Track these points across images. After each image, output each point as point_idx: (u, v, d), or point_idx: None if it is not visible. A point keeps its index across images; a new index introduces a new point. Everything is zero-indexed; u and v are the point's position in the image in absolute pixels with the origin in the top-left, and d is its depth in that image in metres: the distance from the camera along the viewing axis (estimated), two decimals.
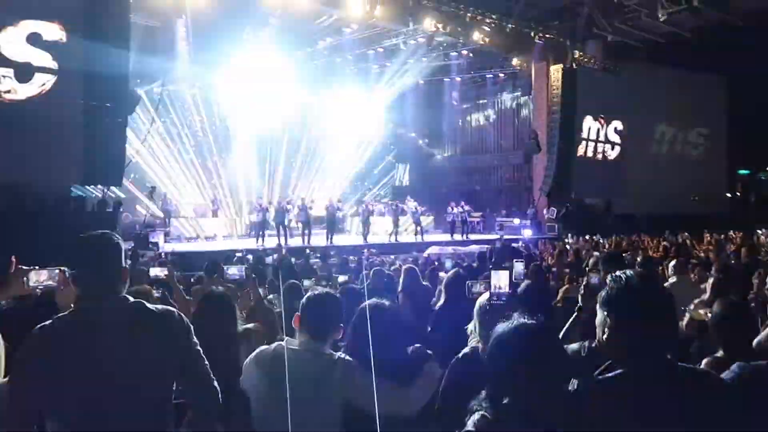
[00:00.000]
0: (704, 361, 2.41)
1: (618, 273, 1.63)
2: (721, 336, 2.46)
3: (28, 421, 1.74)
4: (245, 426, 2.24)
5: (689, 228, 14.07)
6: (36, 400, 1.72)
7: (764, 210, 23.05)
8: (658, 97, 21.34)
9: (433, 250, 15.12)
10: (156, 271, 4.65)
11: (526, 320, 1.64)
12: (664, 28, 19.54)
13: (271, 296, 4.89)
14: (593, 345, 2.30)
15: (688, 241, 11.54)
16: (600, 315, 1.65)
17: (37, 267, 2.18)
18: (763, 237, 12.79)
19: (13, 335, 1.90)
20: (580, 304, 3.36)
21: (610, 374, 1.55)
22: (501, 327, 1.68)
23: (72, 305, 1.88)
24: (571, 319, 3.22)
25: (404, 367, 2.35)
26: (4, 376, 1.99)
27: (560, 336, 2.72)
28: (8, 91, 10.69)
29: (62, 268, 2.09)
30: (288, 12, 15.13)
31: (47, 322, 1.77)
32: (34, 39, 10.82)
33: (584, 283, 3.46)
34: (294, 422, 2.12)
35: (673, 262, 5.97)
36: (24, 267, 2.18)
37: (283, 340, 2.34)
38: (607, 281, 1.66)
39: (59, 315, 1.81)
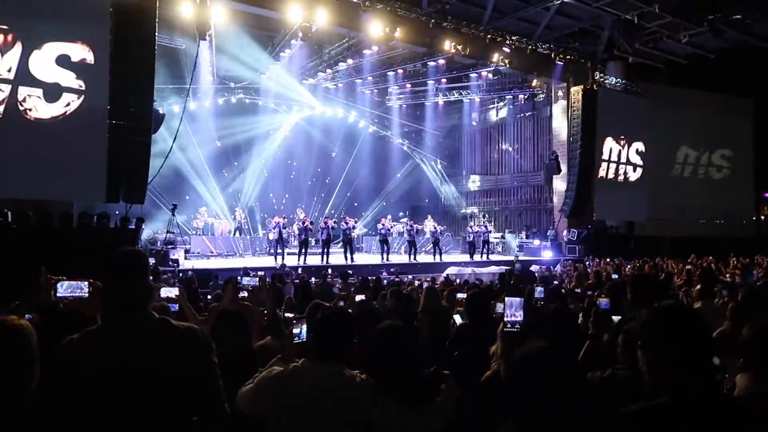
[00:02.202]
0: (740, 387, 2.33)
1: (656, 305, 1.62)
2: (754, 359, 2.36)
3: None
4: None
5: (714, 251, 13.80)
6: (63, 412, 1.73)
7: None
8: (680, 119, 21.15)
9: (451, 270, 15.03)
10: (167, 291, 4.52)
11: (541, 346, 1.62)
12: (686, 50, 19.43)
13: (289, 315, 4.87)
14: (614, 373, 2.24)
15: (713, 265, 11.30)
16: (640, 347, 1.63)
17: (65, 277, 2.20)
18: None
19: (42, 348, 1.90)
20: (591, 331, 3.30)
21: (656, 402, 1.52)
22: (519, 352, 1.67)
23: (98, 318, 1.90)
24: (585, 347, 3.15)
25: (423, 388, 2.32)
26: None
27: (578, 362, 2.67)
28: (32, 110, 10.97)
29: (92, 279, 2.11)
30: (310, 33, 15.35)
31: (75, 336, 1.78)
32: (62, 60, 11.13)
33: (593, 309, 3.39)
34: None
35: (698, 287, 5.85)
36: (53, 277, 2.20)
37: (298, 362, 2.32)
38: (645, 314, 1.64)
39: (87, 329, 1.82)
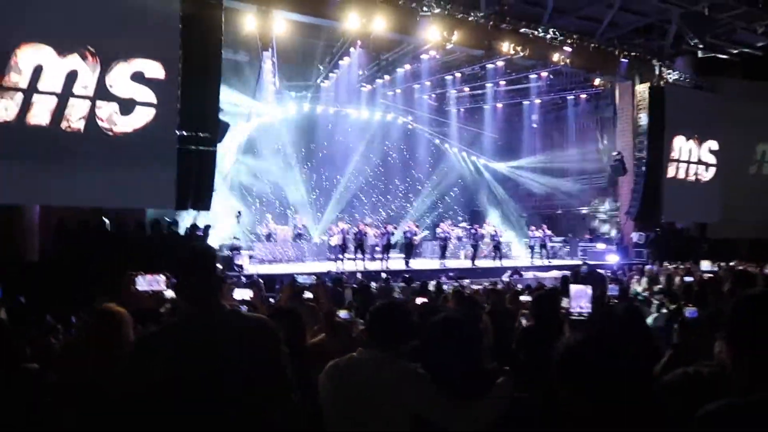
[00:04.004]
0: None
1: (750, 290, 1.52)
2: None
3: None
4: None
5: None
6: (146, 401, 1.83)
7: None
8: (757, 114, 19.92)
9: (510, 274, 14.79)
10: (241, 293, 4.64)
11: (590, 336, 1.59)
12: (761, 41, 18.36)
13: (344, 313, 4.92)
14: (698, 370, 2.14)
15: None
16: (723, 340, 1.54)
17: (142, 272, 2.35)
18: None
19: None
20: (674, 341, 3.16)
21: (748, 398, 1.40)
22: (564, 341, 1.64)
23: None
24: (666, 356, 3.01)
25: (477, 382, 2.30)
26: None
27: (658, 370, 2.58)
28: (111, 123, 11.60)
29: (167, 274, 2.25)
30: (368, 41, 15.55)
31: (155, 329, 1.90)
32: (137, 77, 11.74)
33: (680, 318, 3.26)
34: (361, 430, 2.13)
35: None
36: (132, 273, 2.35)
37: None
38: (740, 299, 1.54)
39: (165, 322, 1.94)
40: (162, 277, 2.28)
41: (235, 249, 15.64)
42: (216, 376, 1.82)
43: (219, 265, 2.06)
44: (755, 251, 15.60)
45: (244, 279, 12.14)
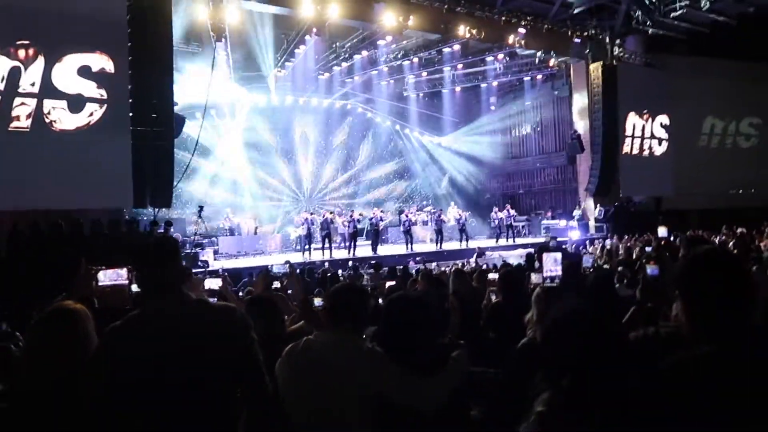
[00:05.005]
0: None
1: (698, 250, 1.57)
2: None
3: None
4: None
5: (745, 222, 13.48)
6: (111, 395, 1.79)
7: None
8: (705, 89, 20.61)
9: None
10: (210, 283, 4.62)
11: (580, 303, 1.63)
12: (707, 18, 18.91)
13: (319, 301, 4.90)
14: (658, 331, 2.22)
15: (745, 235, 11.03)
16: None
17: (104, 267, 2.28)
18: None
19: None
20: (638, 297, 3.27)
21: (696, 351, 1.46)
22: (556, 309, 1.66)
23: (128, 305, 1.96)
24: (630, 312, 3.12)
25: (432, 358, 2.33)
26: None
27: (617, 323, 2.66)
28: (57, 121, 11.21)
29: (129, 267, 2.19)
30: (324, 29, 15.38)
31: (118, 322, 1.85)
32: (84, 71, 11.34)
33: (642, 275, 3.37)
34: (319, 412, 2.13)
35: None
36: (93, 267, 2.28)
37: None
38: (689, 259, 1.59)
39: (128, 315, 1.88)
40: (124, 271, 2.22)
41: (198, 245, 15.37)
42: (184, 366, 1.78)
43: (181, 256, 2.00)
44: (705, 221, 16.19)
45: (209, 276, 11.96)
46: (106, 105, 11.55)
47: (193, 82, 16.30)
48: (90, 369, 1.83)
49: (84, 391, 1.79)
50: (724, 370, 1.40)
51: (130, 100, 11.76)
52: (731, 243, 8.66)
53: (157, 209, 13.94)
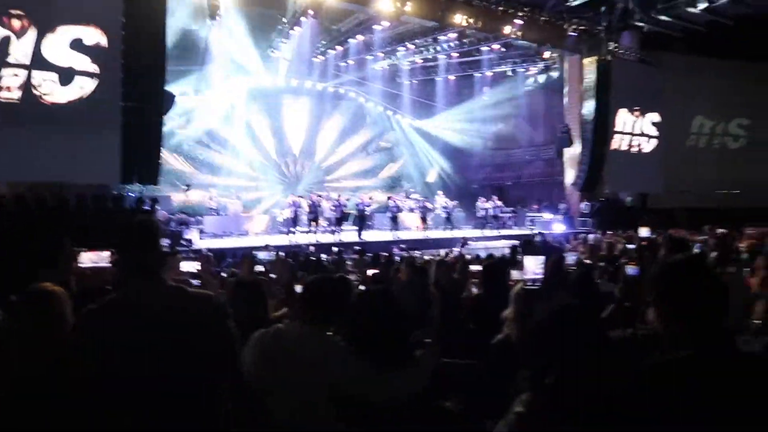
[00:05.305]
0: None
1: (675, 257, 1.63)
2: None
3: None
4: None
5: (730, 223, 13.65)
6: (88, 378, 1.79)
7: None
8: (696, 89, 20.74)
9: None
10: (187, 265, 4.45)
11: (569, 304, 1.67)
12: (704, 17, 18.96)
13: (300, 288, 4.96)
14: (635, 333, 2.29)
15: (726, 236, 11.18)
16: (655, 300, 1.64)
17: (86, 249, 2.28)
18: None
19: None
20: (618, 295, 3.35)
21: (673, 356, 1.52)
22: (542, 310, 1.70)
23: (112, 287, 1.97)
24: (609, 310, 3.20)
25: (400, 354, 2.33)
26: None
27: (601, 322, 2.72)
28: (48, 94, 11.07)
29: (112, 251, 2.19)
30: (320, 11, 15.26)
31: (94, 305, 1.85)
32: (76, 44, 11.18)
33: (622, 276, 3.45)
34: (283, 401, 2.15)
35: (713, 254, 5.89)
36: (75, 248, 2.28)
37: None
38: (665, 266, 1.65)
39: (105, 298, 1.88)
40: (107, 254, 2.22)
41: (183, 223, 15.32)
42: (160, 354, 1.78)
43: (164, 239, 2.01)
44: (692, 220, 16.37)
45: (192, 254, 11.95)
46: (98, 80, 11.41)
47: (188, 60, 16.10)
48: (67, 352, 1.83)
49: (60, 375, 1.79)
50: (702, 372, 1.46)
51: (122, 76, 11.62)
52: (713, 243, 8.79)
53: (144, 186, 13.89)
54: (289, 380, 2.16)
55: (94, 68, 11.35)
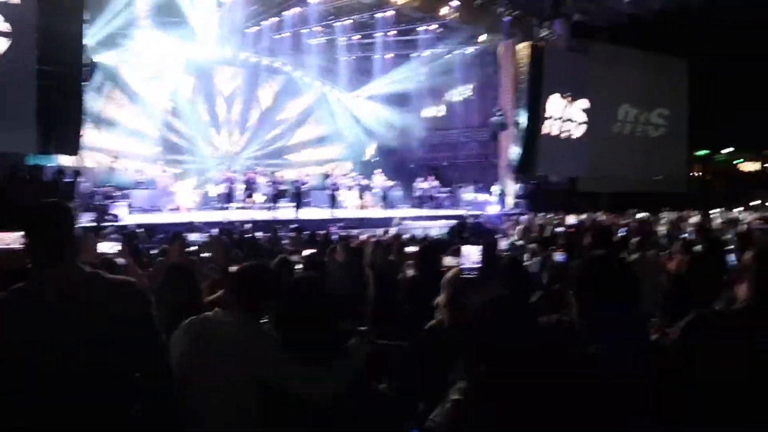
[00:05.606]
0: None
1: (593, 254, 1.77)
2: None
3: None
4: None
5: (650, 207, 14.46)
6: None
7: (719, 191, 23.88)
8: (621, 78, 21.68)
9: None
10: (104, 247, 4.13)
11: (502, 293, 1.71)
12: (628, 10, 19.75)
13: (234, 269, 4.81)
14: (560, 319, 2.35)
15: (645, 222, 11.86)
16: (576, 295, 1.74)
17: None
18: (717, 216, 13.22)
19: None
20: (545, 281, 3.45)
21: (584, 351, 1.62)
22: (479, 299, 1.73)
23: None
24: (537, 296, 3.29)
25: (329, 346, 2.27)
26: None
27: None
28: None
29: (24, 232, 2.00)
30: None
31: (1, 294, 1.70)
32: None
33: (550, 262, 3.56)
34: (210, 391, 2.07)
35: (634, 239, 6.19)
36: None
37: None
38: (578, 264, 1.79)
39: (13, 286, 1.72)
40: (17, 235, 2.02)
41: (109, 197, 14.55)
42: (67, 349, 1.65)
43: (89, 213, 1.86)
44: (616, 203, 17.23)
45: (122, 230, 11.40)
46: (9, 39, 10.54)
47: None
48: None
49: None
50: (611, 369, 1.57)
51: (36, 36, 10.78)
52: (634, 228, 9.28)
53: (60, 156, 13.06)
54: (214, 374, 2.05)
55: (5, 27, 10.49)
